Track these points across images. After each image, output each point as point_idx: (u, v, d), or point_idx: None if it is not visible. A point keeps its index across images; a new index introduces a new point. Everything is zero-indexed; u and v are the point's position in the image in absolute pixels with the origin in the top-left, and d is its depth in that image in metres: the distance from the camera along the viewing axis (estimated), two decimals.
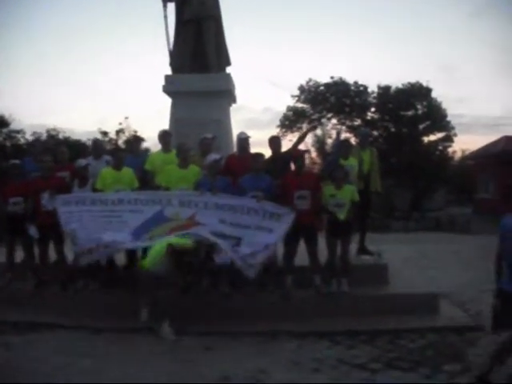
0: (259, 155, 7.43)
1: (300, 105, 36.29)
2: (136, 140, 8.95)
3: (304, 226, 6.99)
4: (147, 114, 51.98)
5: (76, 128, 65.63)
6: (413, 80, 33.34)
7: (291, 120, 36.48)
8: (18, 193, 7.57)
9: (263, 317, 6.75)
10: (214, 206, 7.05)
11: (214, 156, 7.35)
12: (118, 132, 30.93)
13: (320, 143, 38.17)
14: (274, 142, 7.99)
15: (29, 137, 32.42)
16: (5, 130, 31.03)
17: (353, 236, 7.46)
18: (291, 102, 36.57)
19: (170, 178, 7.41)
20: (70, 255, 7.54)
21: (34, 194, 7.45)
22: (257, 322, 6.66)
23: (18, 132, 31.86)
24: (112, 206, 7.19)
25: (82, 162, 7.68)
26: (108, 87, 64.71)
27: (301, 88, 35.89)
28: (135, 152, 8.38)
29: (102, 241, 6.96)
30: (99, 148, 8.68)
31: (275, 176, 7.35)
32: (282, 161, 7.69)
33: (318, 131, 37.53)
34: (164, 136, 8.11)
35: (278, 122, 37.19)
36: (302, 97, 35.98)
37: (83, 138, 29.77)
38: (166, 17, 10.00)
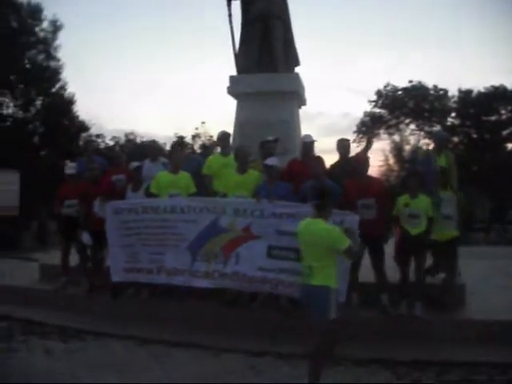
0: (319, 159, 6.82)
1: (377, 110, 35.36)
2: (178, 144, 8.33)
3: (369, 237, 6.20)
4: (224, 119, 52.29)
5: (155, 133, 67.14)
6: (496, 83, 31.88)
7: (368, 126, 35.56)
8: (73, 195, 7.44)
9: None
10: (271, 214, 6.40)
11: (270, 160, 6.77)
12: (194, 137, 31.25)
13: (397, 150, 36.91)
14: (342, 144, 7.34)
15: (109, 141, 33.64)
16: (84, 135, 32.20)
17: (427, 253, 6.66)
18: (368, 108, 35.68)
19: (228, 184, 6.95)
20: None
21: (85, 198, 7.27)
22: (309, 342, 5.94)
23: (98, 136, 33.03)
24: (164, 214, 6.79)
25: (134, 164, 7.41)
26: (187, 91, 65.72)
27: (378, 93, 35.06)
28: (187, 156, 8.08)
29: (163, 264, 6.75)
30: (155, 150, 8.35)
31: (342, 183, 6.65)
32: (349, 166, 7.01)
33: (396, 137, 36.31)
34: (223, 138, 7.70)
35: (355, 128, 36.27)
36: (380, 102, 35.07)
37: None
38: (230, 15, 9.67)
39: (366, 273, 6.57)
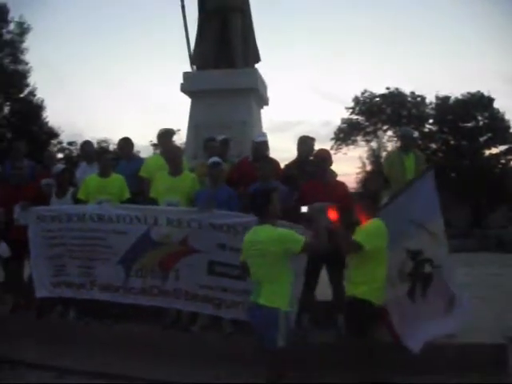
0: (269, 159, 6.04)
1: (355, 116, 34.90)
2: (127, 143, 7.18)
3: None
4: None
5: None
6: (473, 90, 31.89)
7: (346, 132, 35.08)
8: None
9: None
10: (210, 225, 5.50)
11: (213, 158, 5.93)
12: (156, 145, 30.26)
13: (375, 157, 36.44)
14: (304, 141, 6.50)
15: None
16: (54, 142, 31.23)
17: None
18: (346, 114, 35.17)
19: (158, 188, 6.06)
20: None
21: (6, 204, 6.33)
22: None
23: (70, 144, 32.01)
24: (91, 223, 5.87)
25: (58, 166, 6.61)
26: (160, 99, 64.76)
27: (356, 99, 34.59)
28: (128, 156, 7.10)
29: (95, 278, 5.94)
30: (90, 151, 7.31)
31: (297, 185, 5.89)
32: (310, 167, 6.18)
33: (373, 144, 35.89)
34: (162, 137, 6.86)
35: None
36: (357, 108, 34.61)
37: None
38: (183, 6, 8.86)
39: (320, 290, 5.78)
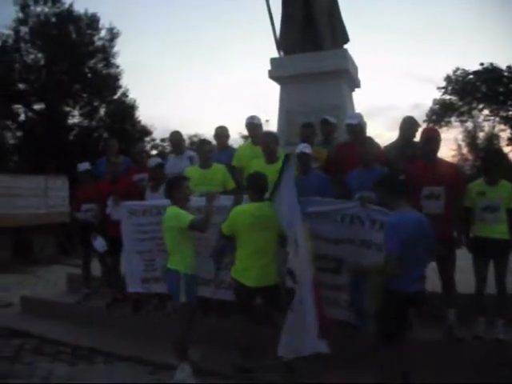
0: (370, 141, 5.59)
1: (447, 97, 33.19)
2: (223, 131, 7.03)
3: (436, 238, 4.94)
4: None
5: None
6: None
7: (438, 114, 33.48)
8: (90, 199, 6.72)
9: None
10: (304, 214, 5.09)
11: (303, 146, 5.62)
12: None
13: (471, 138, 34.64)
14: (408, 122, 6.00)
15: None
16: (147, 139, 32.37)
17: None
18: (438, 95, 33.57)
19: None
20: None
21: (102, 200, 6.50)
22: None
23: (163, 140, 33.04)
24: None
25: (154, 160, 6.53)
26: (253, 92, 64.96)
27: (447, 78, 32.82)
28: (223, 146, 6.94)
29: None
30: (179, 142, 7.14)
31: (399, 169, 5.37)
32: (411, 150, 5.73)
33: (469, 124, 34.07)
34: (252, 126, 6.62)
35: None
36: (450, 88, 32.86)
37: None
38: None
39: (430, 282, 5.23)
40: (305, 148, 5.58)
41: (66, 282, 8.24)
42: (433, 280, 5.18)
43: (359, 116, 6.27)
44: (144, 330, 6.08)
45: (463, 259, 5.37)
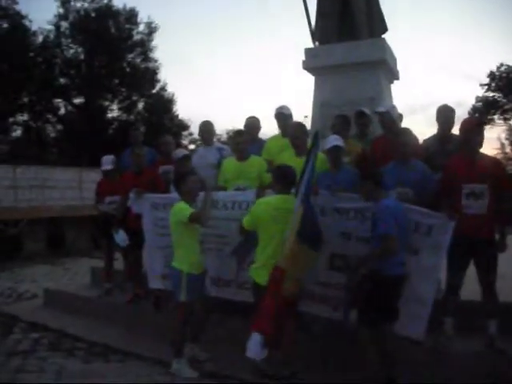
0: (407, 132, 5.13)
1: (491, 94, 32.14)
2: (254, 123, 6.64)
3: (477, 241, 4.56)
4: None
5: (263, 131, 66.22)
6: None
7: (481, 112, 32.43)
8: (114, 191, 6.56)
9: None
10: (333, 211, 4.90)
11: (334, 138, 5.24)
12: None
13: None
14: (445, 113, 5.47)
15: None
16: (185, 133, 32.48)
17: None
18: (481, 92, 32.60)
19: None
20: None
21: (125, 192, 6.28)
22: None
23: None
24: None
25: (179, 152, 6.25)
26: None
27: (491, 75, 31.79)
28: (253, 138, 6.49)
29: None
30: (210, 133, 6.74)
31: (438, 164, 5.04)
32: (451, 144, 5.27)
33: None
34: (281, 116, 6.26)
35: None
36: (493, 84, 31.84)
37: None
38: None
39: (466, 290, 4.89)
40: (336, 140, 5.20)
41: (90, 275, 8.14)
42: (472, 287, 4.81)
43: (390, 106, 5.94)
44: (164, 329, 5.83)
45: (505, 265, 4.91)
